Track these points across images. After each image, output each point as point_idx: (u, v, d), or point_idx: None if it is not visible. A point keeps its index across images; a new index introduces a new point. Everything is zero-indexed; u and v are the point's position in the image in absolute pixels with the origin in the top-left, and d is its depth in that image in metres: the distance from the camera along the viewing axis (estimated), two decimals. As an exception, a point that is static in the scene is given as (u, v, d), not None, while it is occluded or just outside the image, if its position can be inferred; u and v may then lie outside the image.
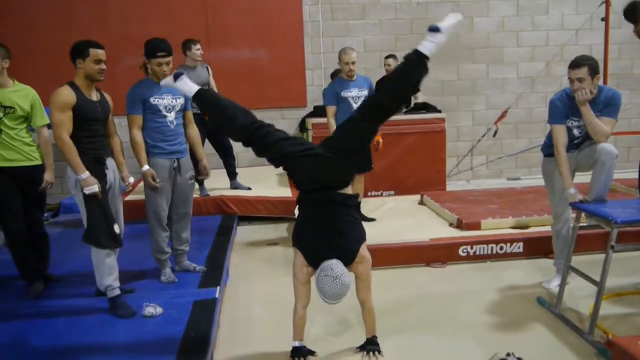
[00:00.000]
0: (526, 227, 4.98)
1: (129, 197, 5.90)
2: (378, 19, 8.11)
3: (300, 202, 3.15)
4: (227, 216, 6.07)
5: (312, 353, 3.20)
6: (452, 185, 7.38)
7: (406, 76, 3.06)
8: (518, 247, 4.75)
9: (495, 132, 7.51)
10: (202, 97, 3.26)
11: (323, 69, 8.03)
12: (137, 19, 7.47)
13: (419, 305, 3.96)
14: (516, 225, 5.00)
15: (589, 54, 3.92)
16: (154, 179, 3.92)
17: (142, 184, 4.28)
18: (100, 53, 3.50)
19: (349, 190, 3.13)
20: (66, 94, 3.41)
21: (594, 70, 3.66)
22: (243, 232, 6.00)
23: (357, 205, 3.16)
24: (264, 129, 3.12)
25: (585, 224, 3.77)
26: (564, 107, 3.81)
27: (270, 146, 3.10)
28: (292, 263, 3.09)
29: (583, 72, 3.64)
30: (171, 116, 4.01)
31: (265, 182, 6.92)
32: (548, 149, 4.01)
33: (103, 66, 3.52)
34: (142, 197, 5.84)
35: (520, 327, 3.56)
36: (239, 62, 7.85)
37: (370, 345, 3.18)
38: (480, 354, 3.18)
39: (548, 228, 4.78)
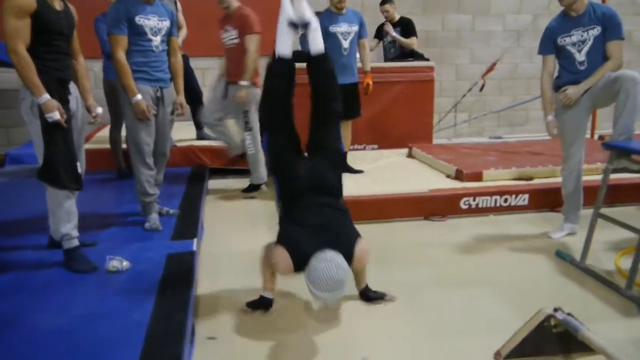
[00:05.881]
0: (530, 178, 4.57)
1: (86, 146, 5.22)
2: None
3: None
4: (198, 167, 5.48)
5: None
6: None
7: (327, 75, 2.90)
8: (523, 200, 4.35)
9: (482, 87, 7.08)
10: None
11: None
12: None
13: (425, 260, 3.51)
14: (520, 177, 4.59)
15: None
16: (147, 110, 3.44)
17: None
18: None
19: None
20: None
21: None
22: (216, 185, 5.41)
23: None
24: None
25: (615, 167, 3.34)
26: (551, 31, 3.58)
27: None
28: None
29: None
30: (157, 40, 3.50)
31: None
32: (555, 81, 3.71)
33: None
34: (101, 146, 5.27)
35: (545, 282, 3.17)
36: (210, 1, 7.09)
37: (373, 293, 2.89)
38: (509, 310, 2.78)
39: (553, 180, 4.45)
